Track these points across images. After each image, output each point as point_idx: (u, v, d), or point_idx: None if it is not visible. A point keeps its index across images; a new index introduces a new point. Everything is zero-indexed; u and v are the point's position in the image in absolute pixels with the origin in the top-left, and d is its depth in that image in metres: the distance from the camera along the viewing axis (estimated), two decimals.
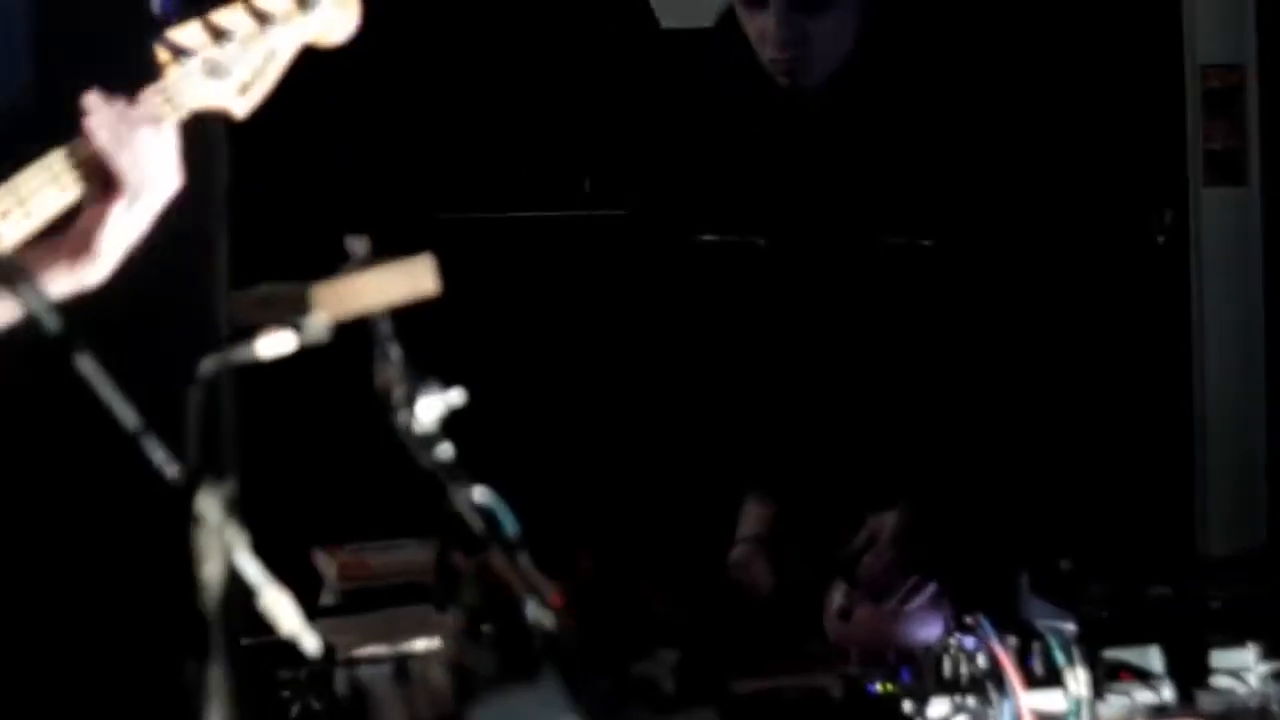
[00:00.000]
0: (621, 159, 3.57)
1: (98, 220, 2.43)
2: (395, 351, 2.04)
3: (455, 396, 2.05)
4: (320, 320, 2.01)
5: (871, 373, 3.21)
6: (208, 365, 1.92)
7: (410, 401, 2.02)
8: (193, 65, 2.50)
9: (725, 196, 3.27)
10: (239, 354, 1.97)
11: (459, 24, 4.59)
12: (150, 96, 2.48)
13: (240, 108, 2.53)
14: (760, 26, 3.14)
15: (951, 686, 2.42)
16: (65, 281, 2.41)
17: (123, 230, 2.45)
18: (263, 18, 2.52)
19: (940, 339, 3.20)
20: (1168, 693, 2.49)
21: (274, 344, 2.00)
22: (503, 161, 4.62)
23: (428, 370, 2.03)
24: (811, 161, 3.22)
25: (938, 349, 3.20)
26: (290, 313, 2.00)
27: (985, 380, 3.22)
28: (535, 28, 4.60)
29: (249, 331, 1.99)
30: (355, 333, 2.03)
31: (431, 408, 2.02)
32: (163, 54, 2.52)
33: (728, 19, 3.23)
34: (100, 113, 2.42)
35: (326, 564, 3.34)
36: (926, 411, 3.19)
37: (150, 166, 2.45)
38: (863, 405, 3.22)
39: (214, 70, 2.51)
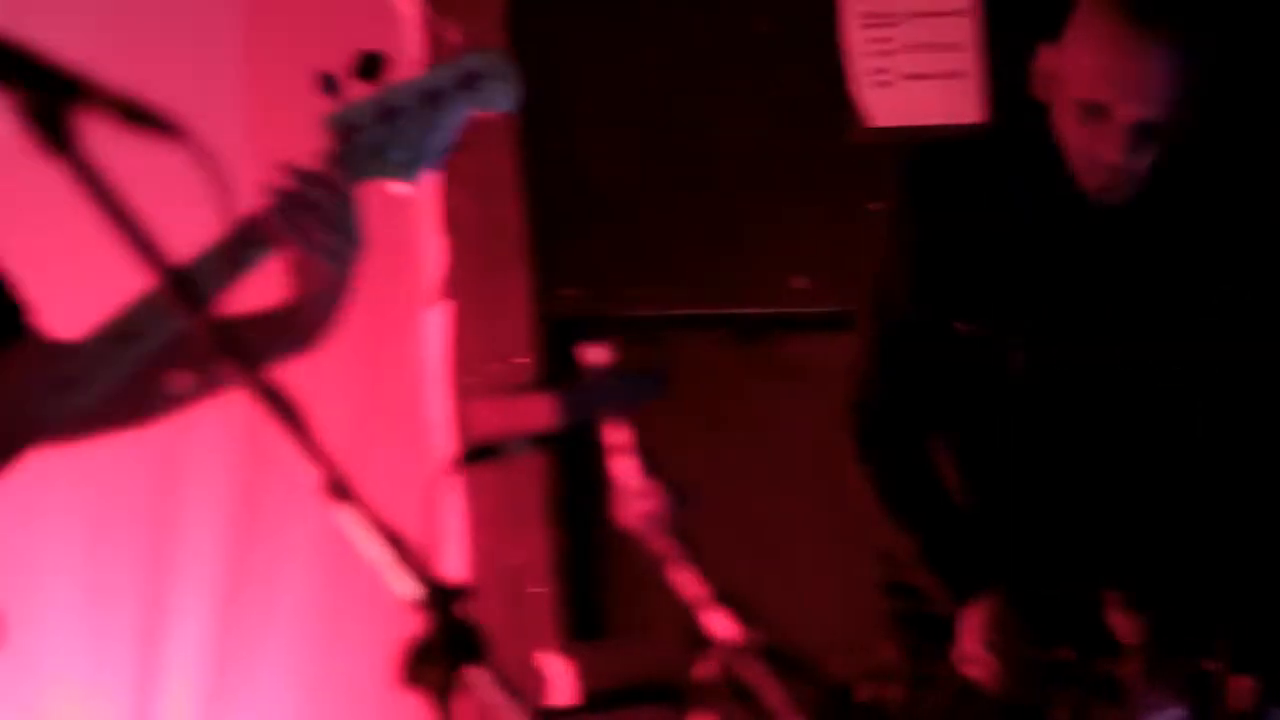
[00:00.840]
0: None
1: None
2: None
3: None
4: None
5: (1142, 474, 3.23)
6: None
7: None
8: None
9: (992, 293, 3.25)
10: None
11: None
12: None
13: (405, 185, 2.60)
14: (1094, 136, 3.11)
15: None
16: None
17: None
18: (429, 96, 2.58)
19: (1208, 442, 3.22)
20: None
21: None
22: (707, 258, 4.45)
23: None
24: (1102, 270, 3.23)
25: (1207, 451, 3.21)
26: None
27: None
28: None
29: None
30: None
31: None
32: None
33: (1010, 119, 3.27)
34: None
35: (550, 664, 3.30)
36: (1189, 515, 3.19)
37: None
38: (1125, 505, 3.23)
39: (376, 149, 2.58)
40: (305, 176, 2.52)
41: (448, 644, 1.72)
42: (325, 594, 4.20)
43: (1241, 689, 2.89)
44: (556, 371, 4.26)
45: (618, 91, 4.37)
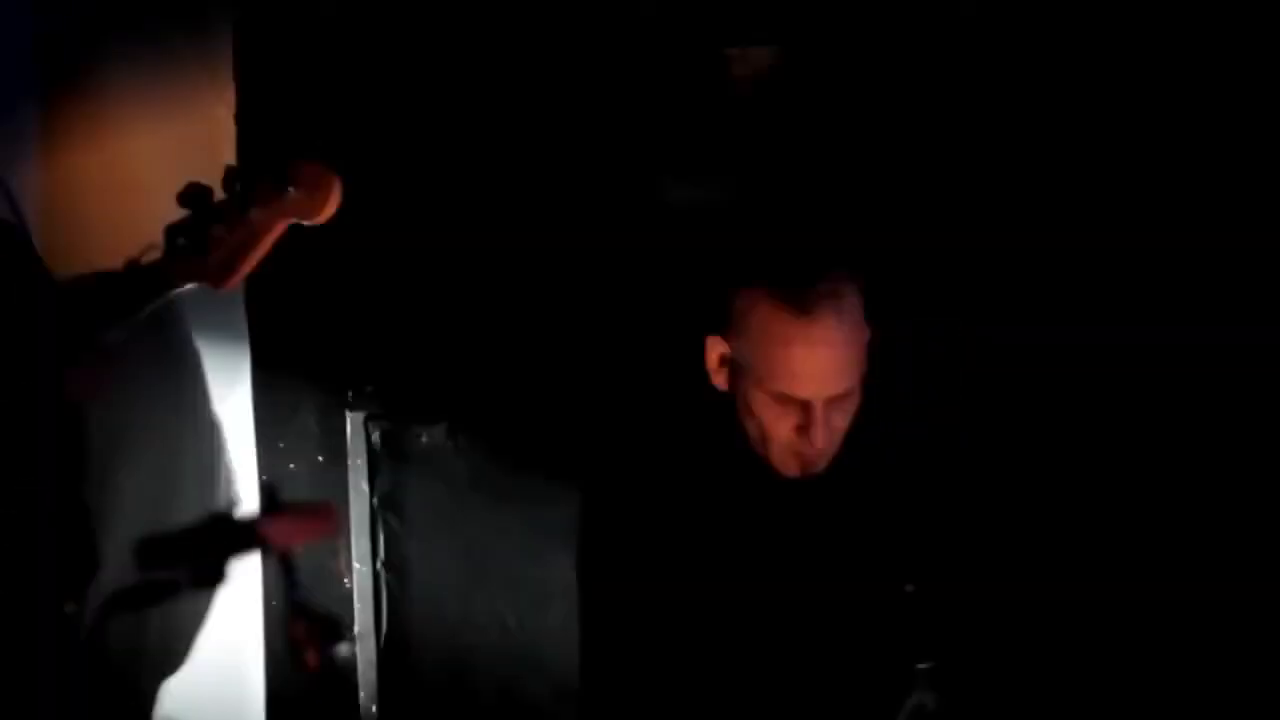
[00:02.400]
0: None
1: None
2: None
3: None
4: None
5: None
6: None
7: None
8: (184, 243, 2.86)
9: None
10: None
11: None
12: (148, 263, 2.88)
13: (221, 285, 2.87)
14: (792, 424, 3.12)
15: None
16: None
17: None
18: (244, 203, 2.84)
19: None
20: None
21: None
22: None
23: None
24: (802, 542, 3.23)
25: None
26: None
27: None
28: None
29: None
30: None
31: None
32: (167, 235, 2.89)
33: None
34: None
35: None
36: None
37: None
38: None
39: (200, 247, 2.85)
40: None
41: None
42: None
43: None
44: None
45: None
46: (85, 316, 2.91)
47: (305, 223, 2.85)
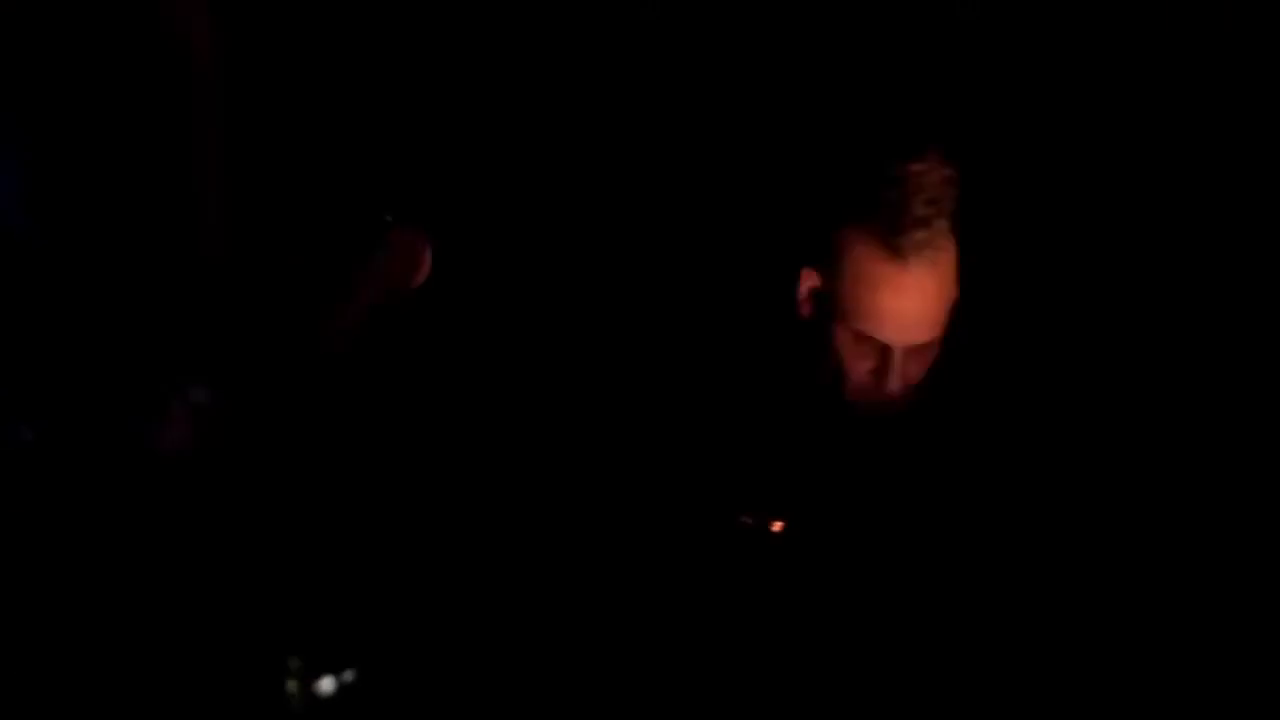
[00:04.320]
0: None
1: None
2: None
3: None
4: None
5: None
6: None
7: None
8: None
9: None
10: None
11: None
12: None
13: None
14: (872, 365, 3.19)
15: None
16: None
17: None
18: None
19: None
20: None
21: None
22: None
23: None
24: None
25: None
26: None
27: None
28: None
29: None
30: None
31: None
32: None
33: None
34: None
35: None
36: None
37: None
38: None
39: None
40: None
41: None
42: None
43: None
44: None
45: None
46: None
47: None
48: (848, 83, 4.20)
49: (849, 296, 3.19)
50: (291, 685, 2.11)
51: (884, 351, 3.18)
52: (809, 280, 3.25)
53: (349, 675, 2.55)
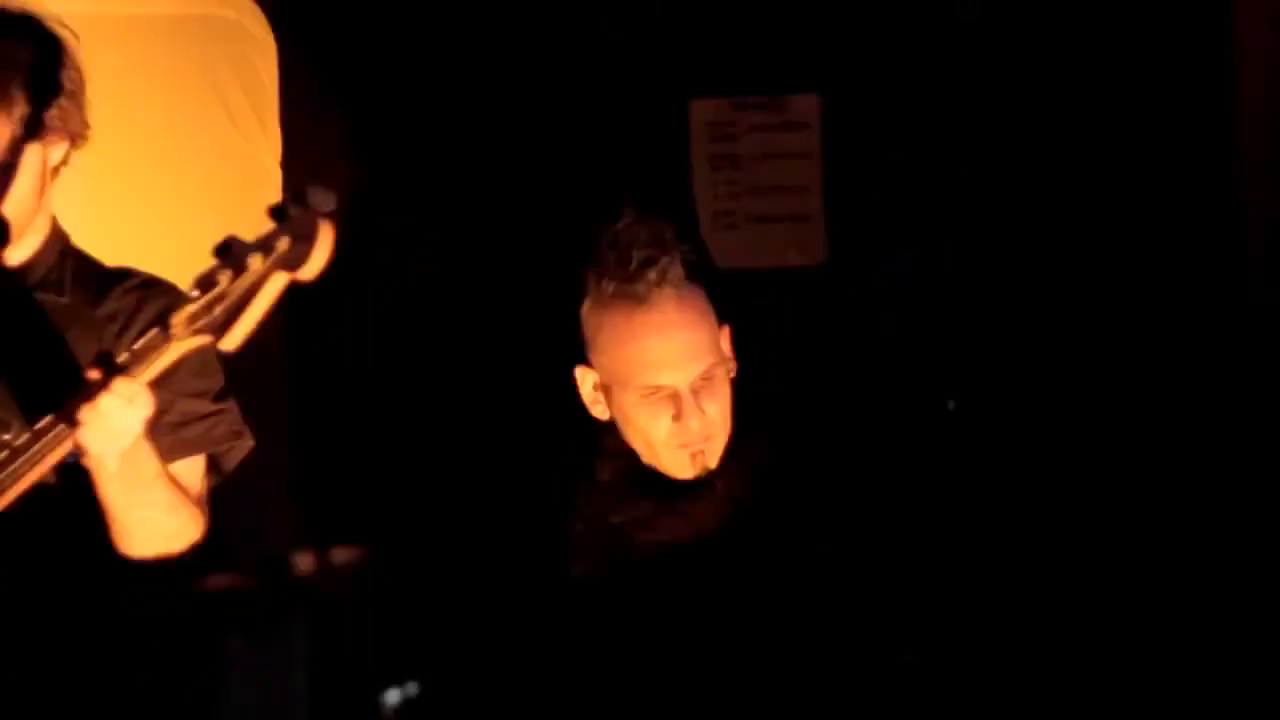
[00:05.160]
0: None
1: None
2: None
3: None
4: None
5: None
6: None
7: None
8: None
9: None
10: None
11: None
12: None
13: (227, 343, 2.63)
14: (666, 417, 3.13)
15: None
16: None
17: None
18: (239, 261, 2.61)
19: None
20: None
21: None
22: None
23: None
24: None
25: None
26: None
27: None
28: None
29: None
30: None
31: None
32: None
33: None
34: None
35: None
36: None
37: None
38: None
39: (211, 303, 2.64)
40: None
41: None
42: None
43: None
44: None
45: None
46: None
47: (297, 278, 2.63)
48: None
49: (618, 360, 3.14)
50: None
51: (675, 399, 3.12)
52: (587, 377, 3.21)
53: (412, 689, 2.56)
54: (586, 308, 3.17)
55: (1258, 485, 4.12)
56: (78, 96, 3.02)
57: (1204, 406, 4.19)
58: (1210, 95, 4.26)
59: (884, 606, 3.18)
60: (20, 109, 2.96)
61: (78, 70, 3.03)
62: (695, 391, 3.11)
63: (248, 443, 3.08)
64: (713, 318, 3.16)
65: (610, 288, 3.11)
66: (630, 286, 3.10)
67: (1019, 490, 4.04)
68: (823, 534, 3.19)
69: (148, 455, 2.82)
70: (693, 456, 3.15)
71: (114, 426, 2.69)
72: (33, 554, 2.95)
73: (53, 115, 2.98)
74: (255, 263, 2.58)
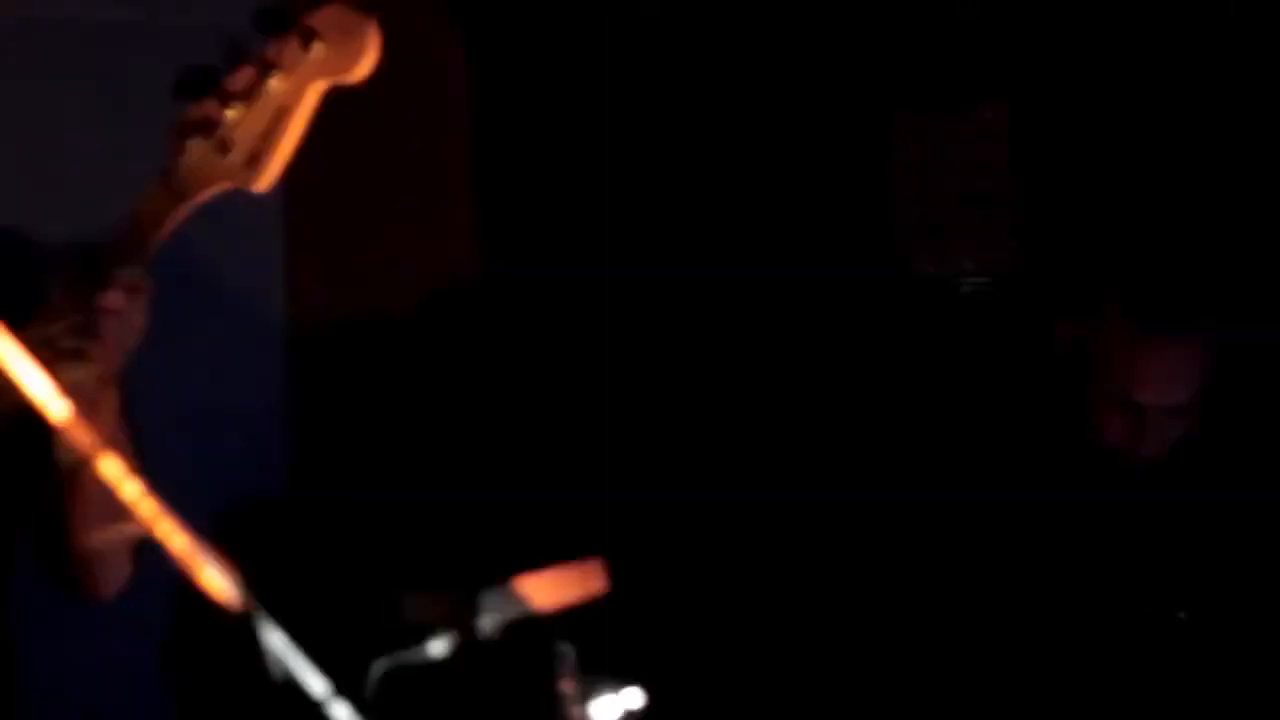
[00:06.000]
0: None
1: None
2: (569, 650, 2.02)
3: (633, 698, 2.02)
4: (492, 620, 1.96)
5: None
6: (379, 665, 1.90)
7: (584, 700, 1.99)
8: (200, 141, 2.22)
9: None
10: (411, 655, 1.95)
11: None
12: (157, 190, 2.23)
13: (251, 182, 2.22)
14: (1130, 426, 3.36)
15: None
16: None
17: None
18: (264, 70, 2.20)
19: None
20: None
21: (444, 646, 1.96)
22: None
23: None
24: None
25: None
26: (465, 614, 1.95)
27: None
28: None
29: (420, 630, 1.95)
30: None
31: (608, 709, 1.99)
32: (175, 134, 2.24)
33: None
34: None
35: None
36: None
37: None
38: None
39: (220, 144, 2.21)
40: None
41: None
42: None
43: None
44: None
45: None
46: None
47: (342, 83, 2.24)
48: None
49: (1114, 361, 3.36)
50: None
51: (1142, 412, 3.34)
52: (1065, 330, 3.45)
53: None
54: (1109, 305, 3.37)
55: None
56: None
57: None
58: None
59: None
60: None
61: None
62: (1163, 417, 3.37)
63: None
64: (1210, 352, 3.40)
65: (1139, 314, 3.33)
66: (1157, 323, 3.33)
67: None
68: None
69: None
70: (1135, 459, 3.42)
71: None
72: None
73: None
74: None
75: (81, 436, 1.65)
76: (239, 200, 2.26)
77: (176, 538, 1.61)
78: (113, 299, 2.22)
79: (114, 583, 2.52)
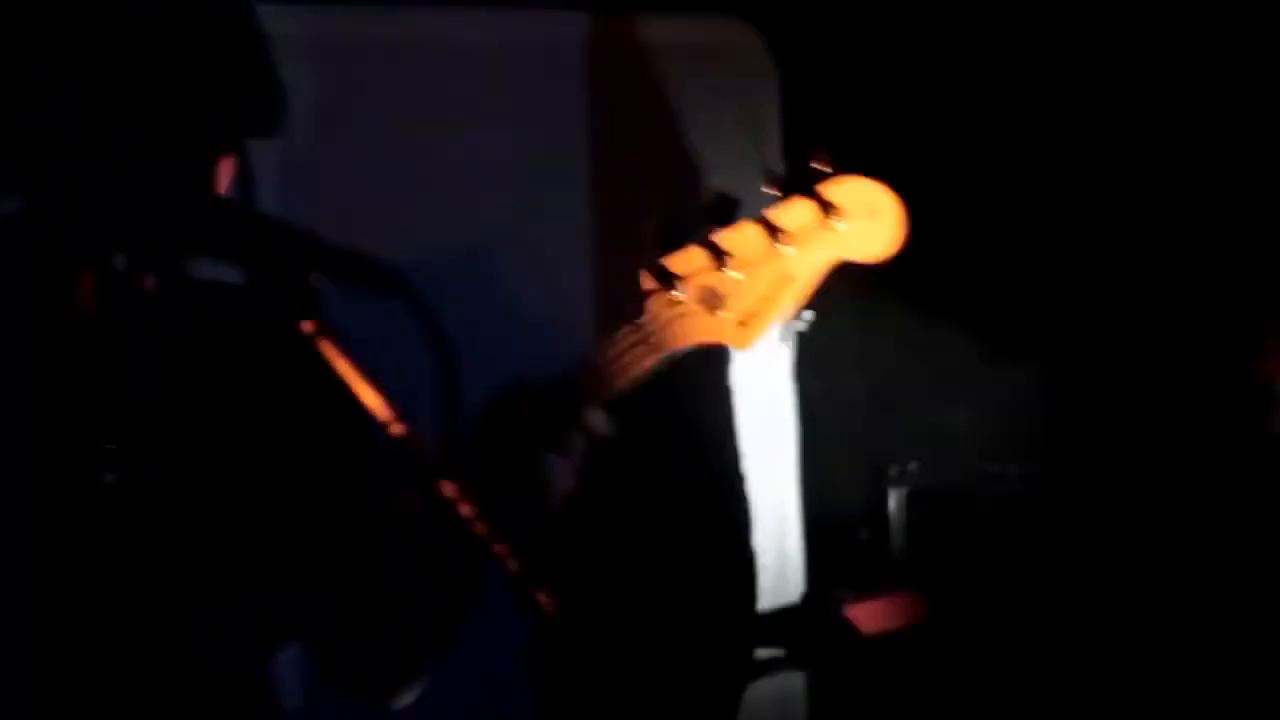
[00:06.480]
0: None
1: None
2: None
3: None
4: None
5: None
6: None
7: None
8: (685, 295, 2.11)
9: None
10: None
11: None
12: (627, 338, 2.12)
13: (742, 342, 2.12)
14: None
15: None
16: None
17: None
18: (775, 235, 2.10)
19: None
20: None
21: None
22: None
23: None
24: None
25: None
26: None
27: None
28: None
29: None
30: None
31: None
32: (647, 281, 2.12)
33: None
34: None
35: None
36: None
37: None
38: None
39: (710, 299, 2.12)
40: None
41: None
42: None
43: None
44: None
45: None
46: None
47: (860, 260, 2.14)
48: None
49: None
50: None
51: None
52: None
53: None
54: None
55: None
56: None
57: None
58: None
59: None
60: None
61: None
62: None
63: None
64: None
65: None
66: None
67: None
68: None
69: None
70: None
71: None
72: None
73: None
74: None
75: None
76: None
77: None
78: (579, 442, 2.13)
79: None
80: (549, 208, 4.11)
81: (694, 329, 2.10)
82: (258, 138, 2.02)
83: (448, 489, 1.85)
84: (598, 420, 2.11)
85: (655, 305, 2.09)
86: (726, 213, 2.11)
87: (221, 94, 1.93)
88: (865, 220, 2.09)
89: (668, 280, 2.09)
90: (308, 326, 1.80)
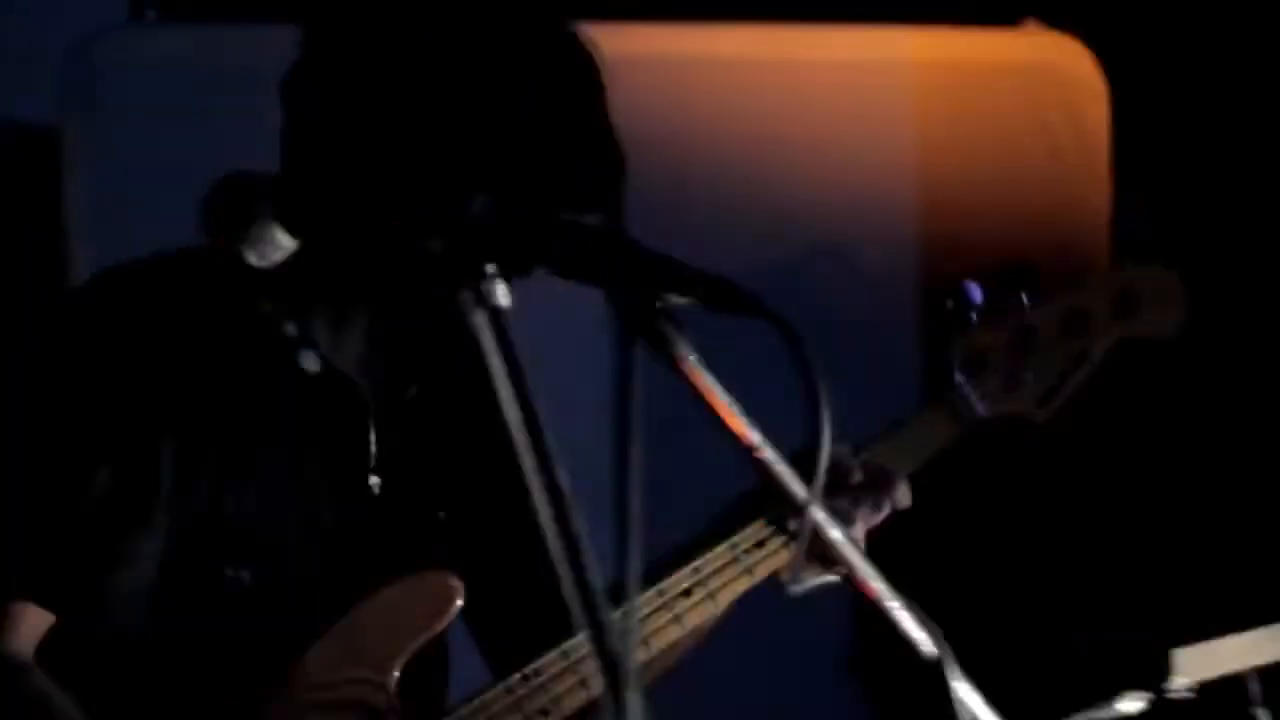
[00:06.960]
0: None
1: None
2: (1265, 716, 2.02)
3: None
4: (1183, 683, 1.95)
5: None
6: None
7: None
8: (985, 378, 2.28)
9: None
10: (1102, 712, 1.97)
11: None
12: (931, 415, 2.28)
13: (1042, 417, 2.30)
14: None
15: None
16: None
17: None
18: (1077, 320, 2.30)
19: None
20: None
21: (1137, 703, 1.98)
22: None
23: None
24: None
25: None
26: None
27: None
28: None
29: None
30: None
31: None
32: (958, 367, 2.30)
33: None
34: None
35: None
36: None
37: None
38: None
39: (1009, 380, 2.29)
40: None
41: None
42: None
43: None
44: None
45: None
46: None
47: (1144, 338, 2.34)
48: None
49: None
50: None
51: None
52: None
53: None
54: None
55: None
56: None
57: None
58: None
59: None
60: None
61: None
62: None
63: None
64: None
65: None
66: None
67: None
68: None
69: None
70: None
71: None
72: None
73: None
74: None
75: None
76: None
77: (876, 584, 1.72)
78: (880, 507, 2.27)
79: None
80: (874, 222, 4.16)
81: (998, 405, 2.29)
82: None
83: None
84: (903, 495, 2.27)
85: (965, 386, 2.28)
86: (1027, 281, 2.29)
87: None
88: (1155, 306, 2.29)
89: (970, 364, 2.28)
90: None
